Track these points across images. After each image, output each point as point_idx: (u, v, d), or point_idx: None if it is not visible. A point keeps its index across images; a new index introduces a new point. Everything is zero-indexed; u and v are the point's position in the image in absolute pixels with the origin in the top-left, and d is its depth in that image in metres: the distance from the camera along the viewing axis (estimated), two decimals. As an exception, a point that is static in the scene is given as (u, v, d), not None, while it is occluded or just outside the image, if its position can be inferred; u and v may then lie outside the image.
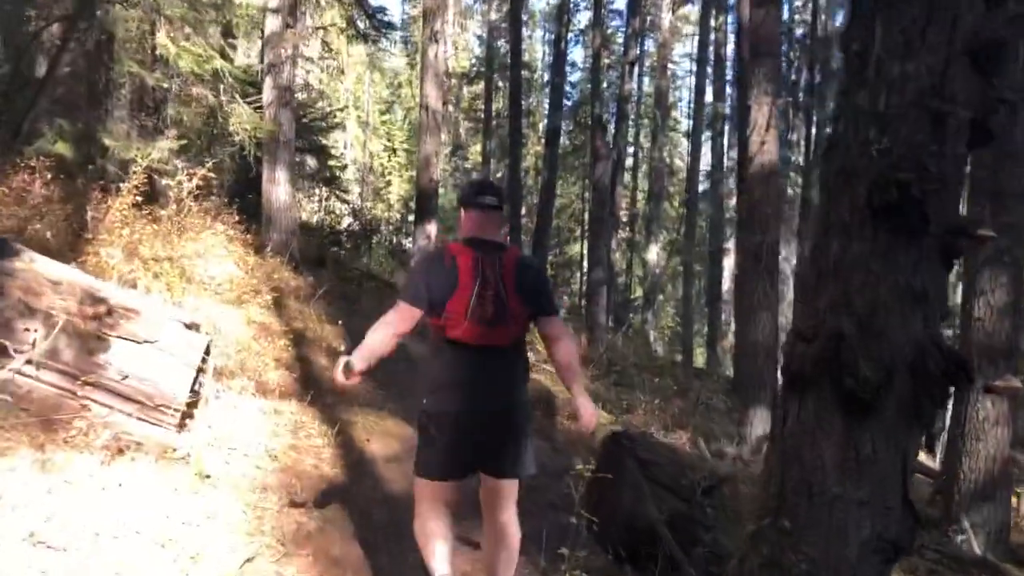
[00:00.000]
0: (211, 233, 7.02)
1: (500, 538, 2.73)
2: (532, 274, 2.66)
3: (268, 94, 8.82)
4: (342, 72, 29.23)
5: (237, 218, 7.95)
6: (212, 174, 6.27)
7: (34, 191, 5.19)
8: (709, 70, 20.28)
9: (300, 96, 15.66)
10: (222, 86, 7.43)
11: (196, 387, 3.55)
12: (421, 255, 2.45)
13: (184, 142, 6.69)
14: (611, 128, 17.32)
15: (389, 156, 30.35)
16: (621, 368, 11.04)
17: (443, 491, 2.68)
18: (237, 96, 7.39)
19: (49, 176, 5.31)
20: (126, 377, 3.29)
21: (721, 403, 12.86)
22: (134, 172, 5.59)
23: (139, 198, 5.56)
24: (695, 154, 16.85)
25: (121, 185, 5.53)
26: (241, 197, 10.49)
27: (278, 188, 9.09)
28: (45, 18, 8.13)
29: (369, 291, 9.89)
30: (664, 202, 28.57)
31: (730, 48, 20.35)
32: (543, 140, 27.96)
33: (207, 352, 3.61)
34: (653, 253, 26.88)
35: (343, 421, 4.71)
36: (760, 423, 8.56)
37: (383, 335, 2.55)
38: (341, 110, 21.07)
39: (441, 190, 19.48)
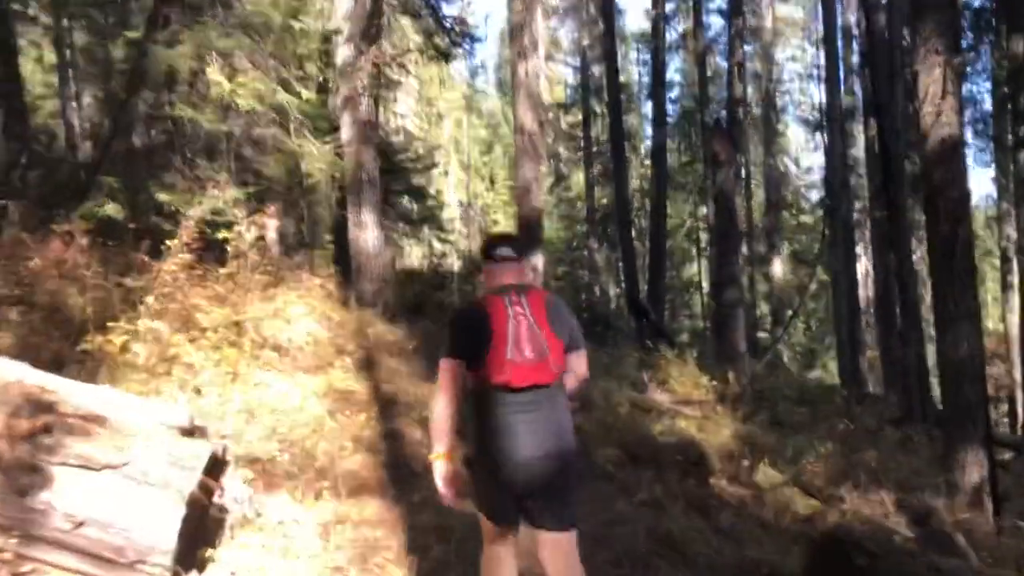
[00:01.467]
0: (300, 287, 6.18)
1: None
2: (559, 308, 2.69)
3: (347, 130, 7.99)
4: (440, 117, 29.28)
5: (331, 269, 7.11)
6: (274, 220, 5.37)
7: (69, 259, 4.43)
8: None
9: (396, 139, 15.14)
10: (292, 125, 6.62)
11: (210, 516, 2.45)
12: (452, 312, 2.71)
13: (250, 190, 5.85)
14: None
15: (488, 189, 29.94)
16: (774, 403, 9.33)
17: (503, 537, 2.63)
18: (307, 133, 6.54)
19: (85, 242, 4.55)
20: (79, 525, 2.21)
21: (890, 434, 10.78)
22: (184, 227, 4.76)
23: (189, 256, 4.71)
24: (831, 151, 14.86)
25: (169, 243, 4.69)
26: (339, 247, 9.75)
27: (366, 232, 8.17)
28: (126, 89, 7.76)
29: (474, 337, 8.80)
30: (783, 211, 26.22)
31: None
32: (646, 161, 26.50)
33: (220, 464, 2.50)
34: (777, 267, 24.51)
35: (436, 527, 3.49)
36: (974, 468, 6.73)
37: (442, 410, 2.50)
38: (436, 148, 20.63)
39: (546, 221, 18.37)
